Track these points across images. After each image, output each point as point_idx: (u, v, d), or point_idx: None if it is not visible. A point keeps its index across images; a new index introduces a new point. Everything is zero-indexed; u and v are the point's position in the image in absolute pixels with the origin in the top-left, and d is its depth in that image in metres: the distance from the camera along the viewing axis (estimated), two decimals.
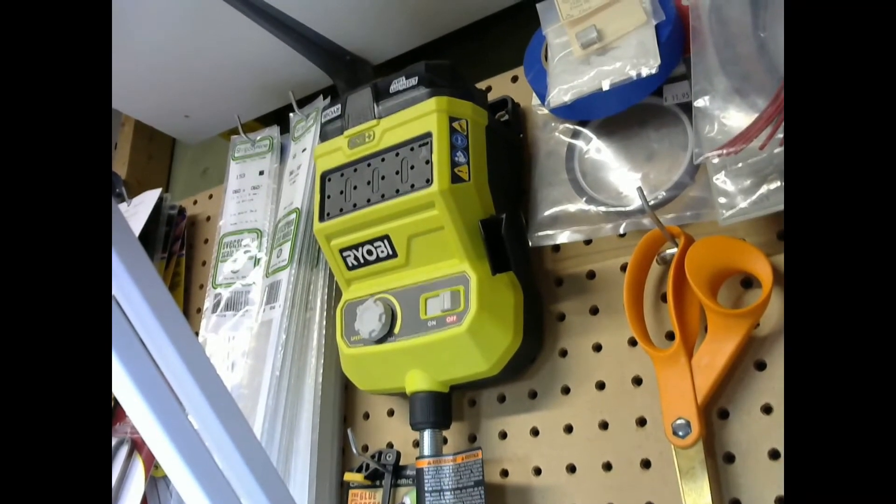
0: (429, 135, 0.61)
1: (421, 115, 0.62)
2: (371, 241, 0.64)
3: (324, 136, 0.69)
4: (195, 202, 0.99)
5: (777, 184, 0.51)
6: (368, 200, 0.63)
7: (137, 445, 0.81)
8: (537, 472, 0.62)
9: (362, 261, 0.65)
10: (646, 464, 0.57)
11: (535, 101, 0.68)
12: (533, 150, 0.68)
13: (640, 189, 0.56)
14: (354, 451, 0.64)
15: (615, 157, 0.63)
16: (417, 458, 0.61)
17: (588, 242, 0.65)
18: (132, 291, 0.39)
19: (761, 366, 0.54)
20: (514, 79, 0.74)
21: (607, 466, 0.59)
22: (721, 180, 0.53)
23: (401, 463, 0.65)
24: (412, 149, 0.62)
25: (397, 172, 0.62)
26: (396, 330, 0.63)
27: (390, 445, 0.70)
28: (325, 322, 0.74)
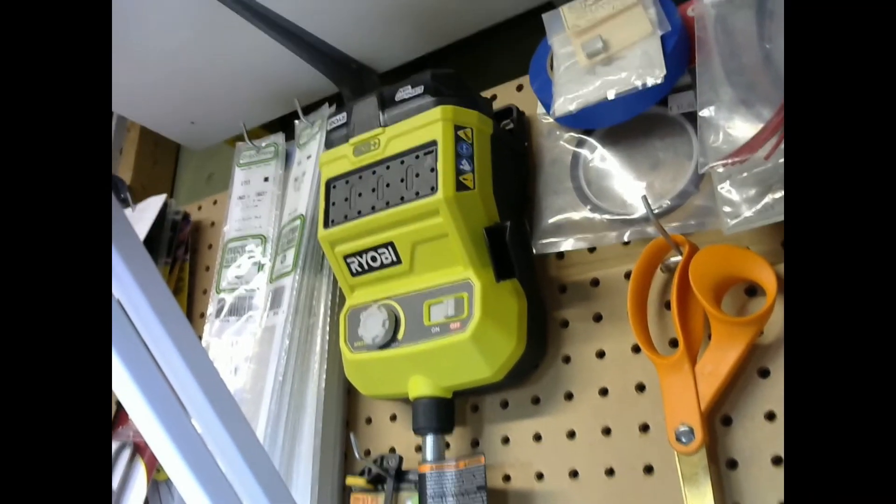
0: (434, 143, 0.62)
1: (426, 124, 0.63)
2: (375, 248, 0.64)
3: (329, 144, 0.69)
4: (200, 208, 1.00)
5: (781, 193, 0.51)
6: (373, 208, 0.64)
7: (140, 449, 0.81)
8: (540, 477, 0.62)
9: (366, 267, 0.66)
10: (648, 470, 0.57)
11: (541, 109, 0.69)
12: (538, 159, 0.68)
13: (644, 198, 0.56)
14: (357, 455, 0.64)
15: (620, 166, 0.63)
16: (420, 463, 0.61)
17: (592, 250, 0.65)
18: (137, 296, 0.39)
19: (765, 373, 0.54)
20: (520, 88, 0.74)
21: (610, 472, 0.59)
22: (726, 189, 0.53)
23: (403, 468, 0.65)
24: (417, 157, 0.63)
25: (402, 180, 0.63)
26: (400, 336, 0.63)
27: (393, 450, 0.70)
28: (328, 328, 0.74)
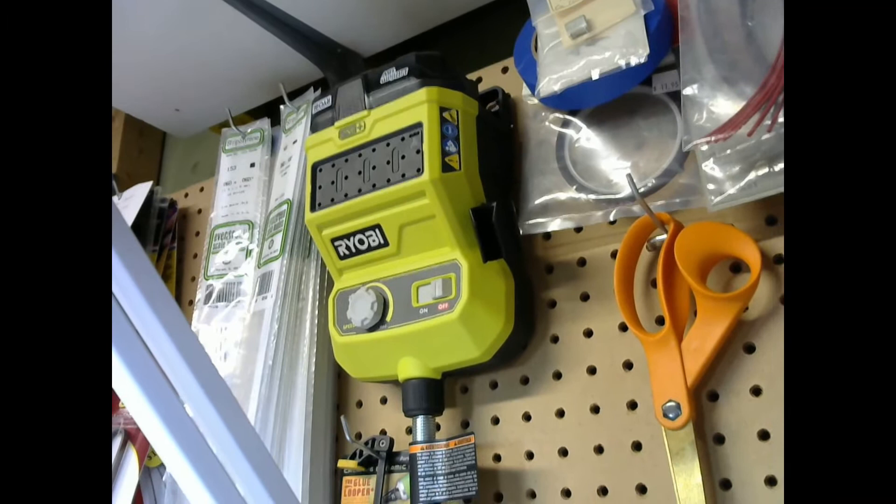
0: (419, 125, 0.62)
1: (411, 106, 0.63)
2: (362, 231, 0.64)
3: (314, 128, 0.69)
4: (186, 195, 1.00)
5: (765, 170, 0.51)
6: (359, 190, 0.64)
7: (131, 436, 0.81)
8: (529, 456, 0.62)
9: (354, 250, 0.66)
10: (637, 446, 0.58)
11: (526, 91, 0.69)
12: (523, 140, 0.68)
13: (629, 176, 0.56)
14: (348, 438, 0.64)
15: (605, 146, 0.63)
16: (411, 444, 0.62)
17: (578, 230, 0.65)
18: (127, 281, 0.39)
19: (750, 349, 0.55)
20: (505, 70, 0.74)
21: (599, 449, 0.59)
22: (710, 167, 0.54)
23: (394, 449, 0.65)
24: (403, 139, 0.63)
25: (388, 162, 0.63)
26: (388, 318, 0.63)
27: (383, 432, 0.71)
28: (317, 311, 0.74)
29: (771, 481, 0.52)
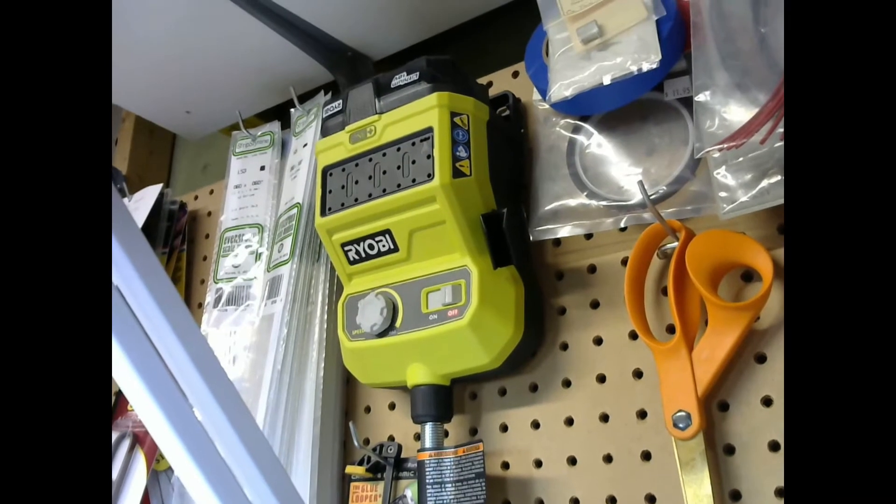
0: (430, 130, 0.62)
1: (422, 111, 0.63)
2: (372, 236, 0.64)
3: (325, 132, 0.69)
4: (196, 197, 1.00)
5: (778, 178, 0.51)
6: (370, 195, 0.64)
7: (139, 439, 0.81)
8: (538, 464, 0.62)
9: (364, 255, 0.66)
10: (646, 456, 0.57)
11: (536, 96, 0.68)
12: (534, 145, 0.68)
13: (640, 183, 0.56)
14: (356, 444, 0.64)
15: (616, 152, 0.63)
16: (419, 451, 0.61)
17: (589, 237, 0.65)
18: (136, 284, 0.39)
19: (761, 359, 0.54)
20: (516, 74, 0.74)
21: (608, 459, 0.59)
22: (722, 175, 0.53)
23: (402, 456, 0.65)
24: (413, 144, 0.63)
25: (399, 167, 0.63)
26: (398, 324, 0.63)
27: (392, 438, 0.71)
28: (326, 316, 0.74)
29: (781, 493, 0.51)
